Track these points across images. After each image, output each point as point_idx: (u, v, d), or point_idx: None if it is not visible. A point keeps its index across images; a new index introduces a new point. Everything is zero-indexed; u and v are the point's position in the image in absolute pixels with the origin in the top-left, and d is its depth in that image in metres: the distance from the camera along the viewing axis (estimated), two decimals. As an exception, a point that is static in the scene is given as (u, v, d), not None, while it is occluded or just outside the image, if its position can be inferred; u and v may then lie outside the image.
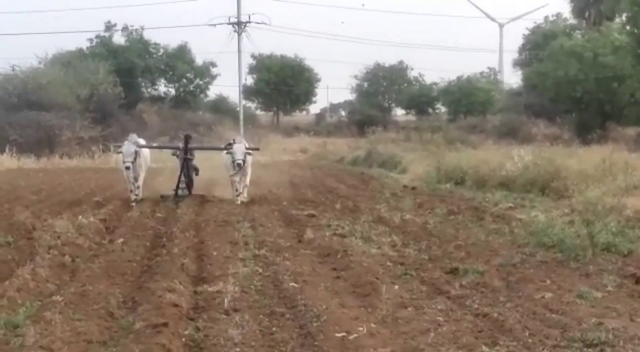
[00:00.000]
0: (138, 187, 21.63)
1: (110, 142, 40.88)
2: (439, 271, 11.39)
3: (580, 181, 20.91)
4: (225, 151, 22.07)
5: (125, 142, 21.50)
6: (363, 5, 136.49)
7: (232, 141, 21.94)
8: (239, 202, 20.79)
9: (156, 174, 25.31)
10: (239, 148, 21.05)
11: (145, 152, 22.58)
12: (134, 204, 20.58)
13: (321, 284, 10.53)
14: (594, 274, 10.98)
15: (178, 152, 22.92)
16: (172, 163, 25.04)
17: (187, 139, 22.89)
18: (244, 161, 20.87)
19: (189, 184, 22.74)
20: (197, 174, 23.20)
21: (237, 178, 21.38)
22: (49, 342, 7.51)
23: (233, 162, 20.94)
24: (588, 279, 10.67)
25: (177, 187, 22.25)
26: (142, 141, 22.72)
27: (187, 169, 22.46)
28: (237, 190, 21.51)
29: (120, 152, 21.33)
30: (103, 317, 8.77)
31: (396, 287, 10.13)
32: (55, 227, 15.29)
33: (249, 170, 21.90)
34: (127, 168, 20.59)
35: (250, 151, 21.95)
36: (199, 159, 23.95)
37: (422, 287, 10.37)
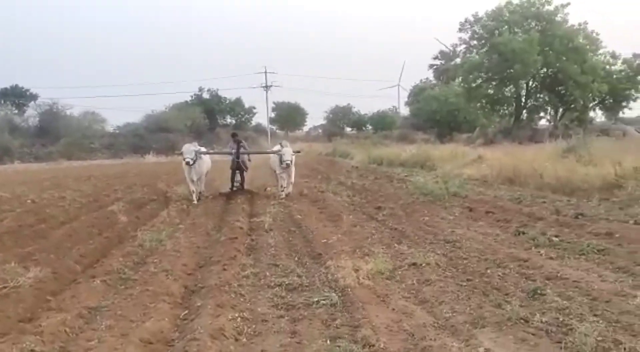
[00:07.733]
0: (200, 192, 13.87)
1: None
2: (371, 208, 11.43)
3: (440, 161, 21.16)
4: (273, 154, 14.69)
5: (185, 144, 13.81)
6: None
7: (280, 144, 14.90)
8: (283, 196, 13.70)
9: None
10: (288, 151, 14.02)
11: (206, 157, 14.51)
12: (195, 202, 13.11)
13: (313, 216, 10.55)
14: (449, 207, 11.07)
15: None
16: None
17: (238, 144, 15.33)
18: (291, 161, 13.87)
19: (242, 183, 15.51)
20: (246, 170, 15.57)
21: (284, 175, 14.09)
22: (178, 248, 7.52)
23: (282, 162, 13.78)
24: (446, 210, 10.75)
25: (232, 186, 15.43)
26: (202, 149, 14.61)
27: (240, 170, 15.38)
28: (282, 186, 14.16)
29: (181, 152, 13.39)
30: (204, 235, 8.79)
31: (350, 216, 10.13)
32: (177, 191, 15.19)
33: (294, 170, 14.42)
34: (187, 163, 12.99)
35: (294, 154, 14.78)
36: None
37: (363, 216, 10.39)
